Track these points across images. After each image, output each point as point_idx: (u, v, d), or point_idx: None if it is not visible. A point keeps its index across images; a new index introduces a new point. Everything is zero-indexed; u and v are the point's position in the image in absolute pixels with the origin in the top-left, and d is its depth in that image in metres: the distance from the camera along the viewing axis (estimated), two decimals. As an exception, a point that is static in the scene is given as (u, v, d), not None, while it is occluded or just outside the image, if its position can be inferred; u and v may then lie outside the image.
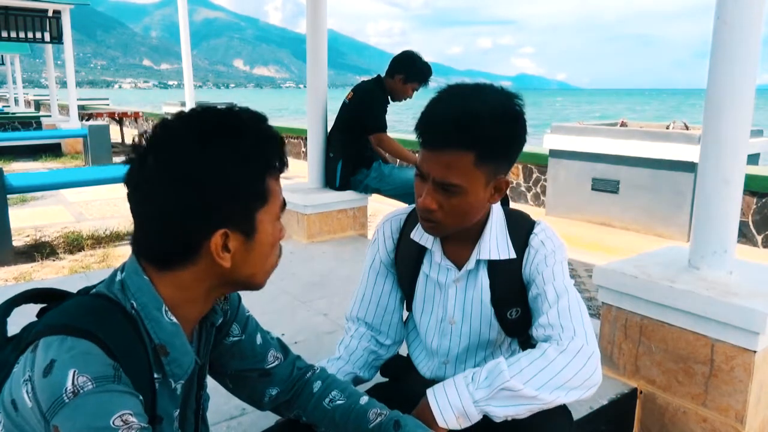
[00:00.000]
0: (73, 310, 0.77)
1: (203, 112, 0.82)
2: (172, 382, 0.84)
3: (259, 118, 0.84)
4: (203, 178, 0.76)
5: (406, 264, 1.35)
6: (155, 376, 0.80)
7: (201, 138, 0.78)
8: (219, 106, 0.84)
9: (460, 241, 1.26)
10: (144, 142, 0.79)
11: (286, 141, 12.07)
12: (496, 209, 1.26)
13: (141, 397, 0.73)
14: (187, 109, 0.85)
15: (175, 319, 0.82)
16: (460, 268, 1.27)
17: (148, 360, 0.79)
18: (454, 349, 1.32)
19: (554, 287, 1.17)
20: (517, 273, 1.24)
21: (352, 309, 1.42)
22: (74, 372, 0.68)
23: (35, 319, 0.82)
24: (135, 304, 0.79)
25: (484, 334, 1.29)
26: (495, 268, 1.25)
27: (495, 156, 1.11)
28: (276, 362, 1.10)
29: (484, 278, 1.26)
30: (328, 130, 3.94)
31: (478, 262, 1.25)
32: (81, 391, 0.67)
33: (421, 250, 1.32)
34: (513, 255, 1.23)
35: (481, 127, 1.06)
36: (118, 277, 0.82)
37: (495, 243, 1.23)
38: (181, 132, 0.79)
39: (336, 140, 3.86)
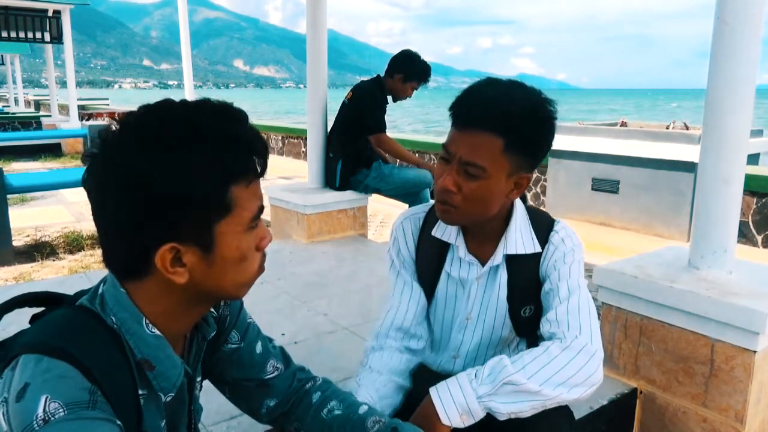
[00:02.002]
0: (53, 326, 0.74)
1: (160, 110, 0.74)
2: (161, 396, 0.80)
3: (226, 118, 0.74)
4: (146, 188, 0.69)
5: (428, 263, 1.34)
6: (140, 392, 0.77)
7: (148, 142, 0.70)
8: (187, 100, 0.75)
9: (482, 238, 1.27)
10: (99, 141, 0.73)
11: (286, 141, 11.81)
12: (519, 205, 1.27)
13: (119, 422, 0.70)
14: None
15: (157, 332, 0.78)
16: (482, 264, 1.28)
17: (132, 376, 0.76)
18: (467, 344, 1.32)
19: (568, 284, 1.18)
20: (534, 270, 1.25)
21: (386, 323, 1.32)
22: (46, 398, 0.65)
23: (31, 321, 0.80)
24: (115, 319, 0.76)
25: (497, 331, 1.30)
26: (514, 264, 1.26)
27: (523, 148, 1.12)
28: (275, 373, 1.05)
29: (503, 274, 1.27)
30: (328, 130, 3.94)
31: (504, 257, 1.25)
32: (52, 419, 0.64)
33: (443, 248, 1.31)
34: (538, 249, 1.24)
35: (515, 116, 1.08)
36: (100, 290, 0.79)
37: (521, 237, 1.24)
38: (130, 135, 0.72)
39: (335, 140, 3.86)
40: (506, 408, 1.04)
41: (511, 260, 1.26)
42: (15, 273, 4.14)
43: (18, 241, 4.84)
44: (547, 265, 1.23)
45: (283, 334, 2.33)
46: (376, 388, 1.22)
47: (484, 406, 1.05)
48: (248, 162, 0.75)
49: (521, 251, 1.24)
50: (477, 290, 1.29)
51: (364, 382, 1.23)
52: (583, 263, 1.24)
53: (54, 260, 4.45)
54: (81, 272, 3.96)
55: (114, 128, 0.73)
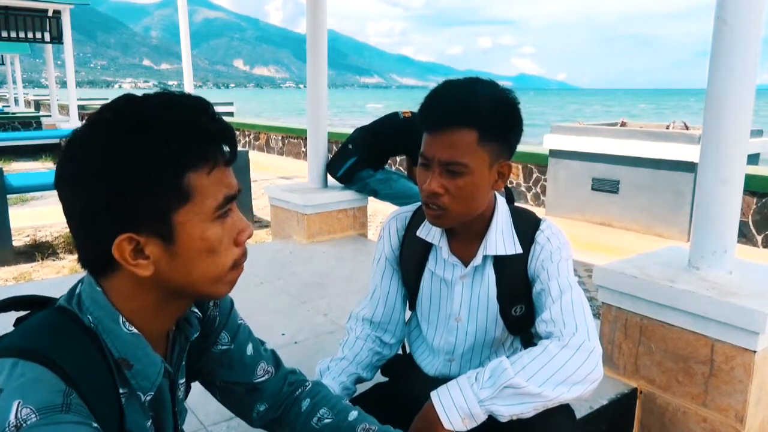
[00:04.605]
0: (30, 329, 0.74)
1: (117, 103, 0.73)
2: (140, 395, 0.79)
3: (178, 106, 0.73)
4: (97, 178, 0.69)
5: (411, 261, 1.36)
6: (121, 391, 0.76)
7: (99, 134, 0.70)
8: (147, 94, 0.75)
9: (466, 238, 1.27)
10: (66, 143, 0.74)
11: (286, 141, 11.78)
12: (501, 206, 1.27)
13: (95, 425, 0.69)
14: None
15: (135, 330, 0.76)
16: (466, 264, 1.28)
17: (112, 376, 0.75)
18: (460, 346, 1.33)
19: (558, 283, 1.18)
20: (522, 269, 1.25)
21: (360, 309, 1.43)
22: (18, 403, 0.64)
23: (15, 324, 0.79)
24: (91, 318, 0.75)
25: (490, 331, 1.30)
26: (501, 264, 1.26)
27: (496, 136, 1.13)
28: (266, 376, 1.04)
29: (490, 275, 1.27)
30: (328, 130, 3.94)
31: (484, 257, 1.26)
32: (24, 425, 0.63)
33: (427, 248, 1.33)
34: (519, 250, 1.24)
35: (483, 106, 1.11)
36: (77, 290, 0.78)
37: (501, 238, 1.24)
38: (87, 128, 0.72)
39: (364, 140, 3.85)
40: (508, 410, 1.04)
41: (498, 260, 1.26)
42: (15, 273, 4.15)
43: (18, 241, 4.84)
44: (535, 265, 1.23)
45: (283, 334, 2.33)
46: (340, 380, 1.31)
47: (486, 410, 1.05)
48: (206, 148, 0.73)
49: (501, 252, 1.24)
50: (463, 291, 1.29)
51: (334, 368, 1.33)
52: (571, 261, 1.24)
53: (54, 260, 4.45)
54: (81, 272, 3.96)
55: (77, 128, 0.74)
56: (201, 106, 0.74)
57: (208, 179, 0.73)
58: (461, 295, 1.29)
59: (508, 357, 1.09)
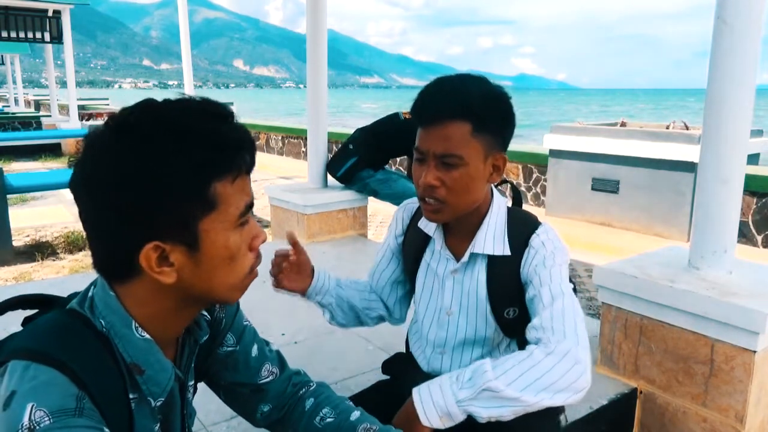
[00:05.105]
0: (42, 331, 0.74)
1: (139, 109, 0.73)
2: (151, 401, 0.79)
3: (204, 114, 0.73)
4: (123, 185, 0.69)
5: (411, 251, 1.39)
6: (131, 396, 0.77)
7: (124, 140, 0.70)
8: (169, 99, 0.75)
9: (460, 234, 1.29)
10: (83, 143, 0.74)
11: (286, 141, 11.77)
12: (498, 205, 1.27)
13: (107, 430, 0.69)
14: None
15: (147, 335, 0.77)
16: (458, 260, 1.29)
17: (123, 381, 0.75)
18: (451, 340, 1.33)
19: (550, 290, 1.16)
20: (514, 272, 1.24)
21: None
22: (32, 406, 0.64)
23: (23, 323, 0.80)
24: (104, 323, 0.75)
25: (480, 329, 1.30)
26: (494, 264, 1.26)
27: (489, 127, 1.15)
28: (270, 377, 1.04)
29: (481, 273, 1.27)
30: (328, 130, 3.95)
31: (474, 255, 1.27)
32: (37, 428, 0.63)
33: (426, 240, 1.35)
34: (507, 252, 1.24)
35: (475, 99, 1.13)
36: (90, 293, 0.78)
37: (491, 238, 1.25)
38: (108, 134, 0.71)
39: (365, 140, 3.87)
40: (486, 412, 1.04)
41: (491, 260, 1.26)
42: (15, 273, 4.15)
43: (18, 241, 4.85)
44: (527, 269, 1.22)
45: (283, 334, 2.33)
46: (339, 281, 1.49)
47: (464, 410, 1.04)
48: (231, 158, 0.73)
49: (489, 251, 1.24)
50: (454, 285, 1.31)
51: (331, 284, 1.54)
52: (566, 267, 1.21)
53: (54, 260, 4.45)
54: (81, 272, 3.96)
55: (96, 130, 0.73)
56: (226, 114, 0.75)
57: (232, 188, 0.74)
58: (452, 290, 1.31)
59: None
